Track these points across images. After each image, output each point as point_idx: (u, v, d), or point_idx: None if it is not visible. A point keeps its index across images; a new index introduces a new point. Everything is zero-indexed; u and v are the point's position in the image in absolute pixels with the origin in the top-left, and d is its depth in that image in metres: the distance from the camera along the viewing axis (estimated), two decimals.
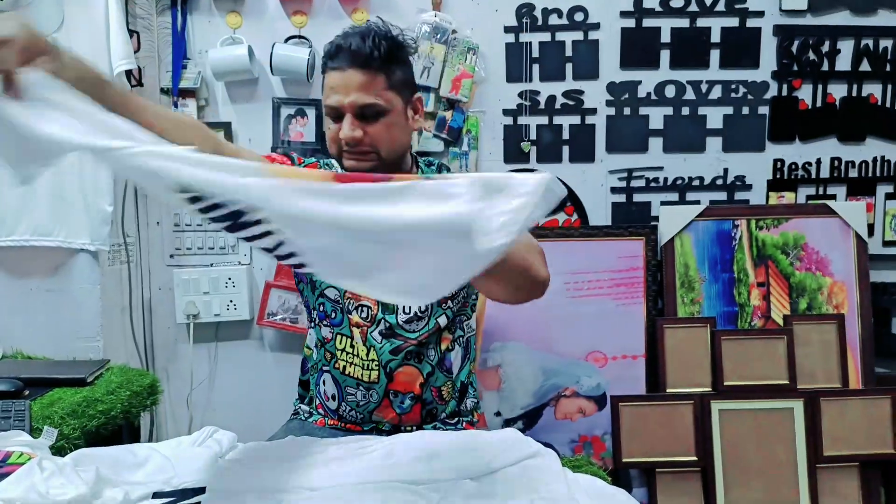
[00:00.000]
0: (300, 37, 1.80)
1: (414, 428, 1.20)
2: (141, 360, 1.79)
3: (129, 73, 1.57)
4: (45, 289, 1.57)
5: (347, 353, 1.18)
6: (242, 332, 1.89)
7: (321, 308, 1.20)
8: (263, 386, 1.86)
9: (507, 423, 1.84)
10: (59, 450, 1.16)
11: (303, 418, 1.27)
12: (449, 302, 1.19)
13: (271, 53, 1.73)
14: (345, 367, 1.18)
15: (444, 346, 1.20)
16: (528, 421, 1.84)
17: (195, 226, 1.85)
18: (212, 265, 1.84)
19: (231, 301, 1.82)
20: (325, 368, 1.22)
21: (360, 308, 1.17)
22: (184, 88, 1.77)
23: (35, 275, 1.57)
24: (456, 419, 1.25)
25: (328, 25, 1.80)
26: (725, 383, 1.77)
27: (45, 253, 1.55)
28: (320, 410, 1.24)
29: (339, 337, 1.19)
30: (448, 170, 1.31)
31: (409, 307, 1.16)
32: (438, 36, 1.80)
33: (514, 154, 1.89)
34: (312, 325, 1.26)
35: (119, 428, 1.40)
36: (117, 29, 1.52)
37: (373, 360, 1.16)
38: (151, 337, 1.86)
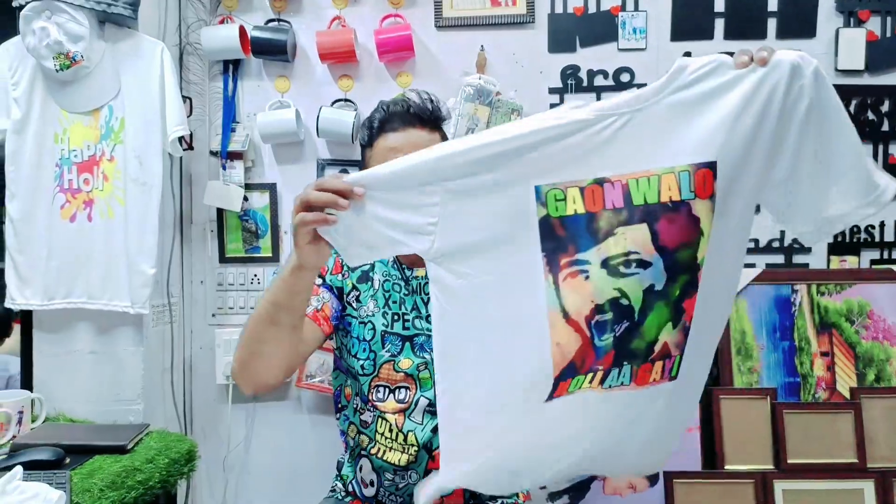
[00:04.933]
0: (346, 100, 1.82)
1: None
2: (179, 422, 1.77)
3: (181, 137, 1.60)
4: (88, 350, 1.58)
5: (386, 438, 1.14)
6: (280, 394, 1.85)
7: (374, 394, 1.15)
8: (299, 450, 1.81)
9: (552, 496, 1.74)
10: None
11: (339, 497, 1.22)
12: None
13: (318, 117, 1.75)
14: (384, 452, 1.13)
15: None
16: (575, 494, 1.74)
17: (238, 285, 1.86)
18: None
19: None
20: (362, 454, 1.18)
21: (398, 389, 1.14)
22: (232, 151, 1.80)
23: (81, 337, 1.58)
24: (500, 500, 1.19)
25: (374, 89, 1.82)
26: (789, 461, 1.65)
27: (93, 315, 1.56)
28: (357, 494, 1.20)
29: (379, 420, 1.15)
30: None
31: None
32: (482, 98, 1.80)
33: None
34: (349, 411, 1.21)
35: (156, 498, 1.37)
36: (173, 97, 1.55)
37: (412, 445, 1.12)
38: (191, 397, 1.84)
